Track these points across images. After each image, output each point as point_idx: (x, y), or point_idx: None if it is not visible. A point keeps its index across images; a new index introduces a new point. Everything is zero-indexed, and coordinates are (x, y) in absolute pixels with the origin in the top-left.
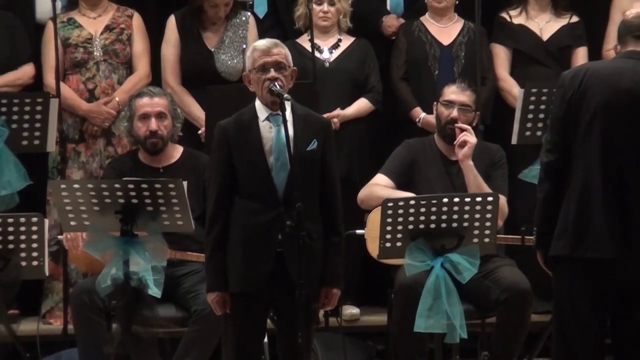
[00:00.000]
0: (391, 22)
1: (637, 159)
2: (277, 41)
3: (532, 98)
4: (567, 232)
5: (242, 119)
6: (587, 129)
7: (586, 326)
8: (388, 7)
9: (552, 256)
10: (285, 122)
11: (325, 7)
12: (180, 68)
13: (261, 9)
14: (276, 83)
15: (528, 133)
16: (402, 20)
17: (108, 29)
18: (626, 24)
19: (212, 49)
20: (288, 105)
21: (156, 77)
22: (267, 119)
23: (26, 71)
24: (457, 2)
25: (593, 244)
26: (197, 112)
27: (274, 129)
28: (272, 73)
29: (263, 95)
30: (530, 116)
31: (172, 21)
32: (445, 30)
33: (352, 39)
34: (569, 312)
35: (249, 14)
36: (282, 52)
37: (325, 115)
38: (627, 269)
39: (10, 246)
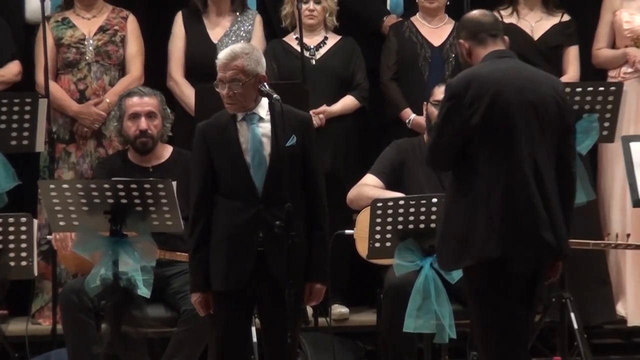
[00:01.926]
0: (392, 23)
1: (545, 158)
2: (239, 50)
3: None
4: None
5: (220, 119)
6: (498, 135)
7: (515, 308)
8: (388, 8)
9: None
10: (273, 119)
11: (311, 5)
12: (185, 61)
13: None
14: (265, 83)
15: None
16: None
17: (102, 30)
18: (480, 22)
19: (216, 42)
20: (266, 105)
21: (148, 78)
22: (244, 118)
23: (11, 69)
24: (448, 3)
25: (506, 244)
26: None
27: (250, 128)
28: (226, 90)
29: (226, 107)
30: None
31: (179, 16)
32: (436, 31)
33: (338, 38)
34: (492, 302)
35: (256, 11)
36: (239, 65)
37: (311, 112)
38: (525, 263)
39: None
